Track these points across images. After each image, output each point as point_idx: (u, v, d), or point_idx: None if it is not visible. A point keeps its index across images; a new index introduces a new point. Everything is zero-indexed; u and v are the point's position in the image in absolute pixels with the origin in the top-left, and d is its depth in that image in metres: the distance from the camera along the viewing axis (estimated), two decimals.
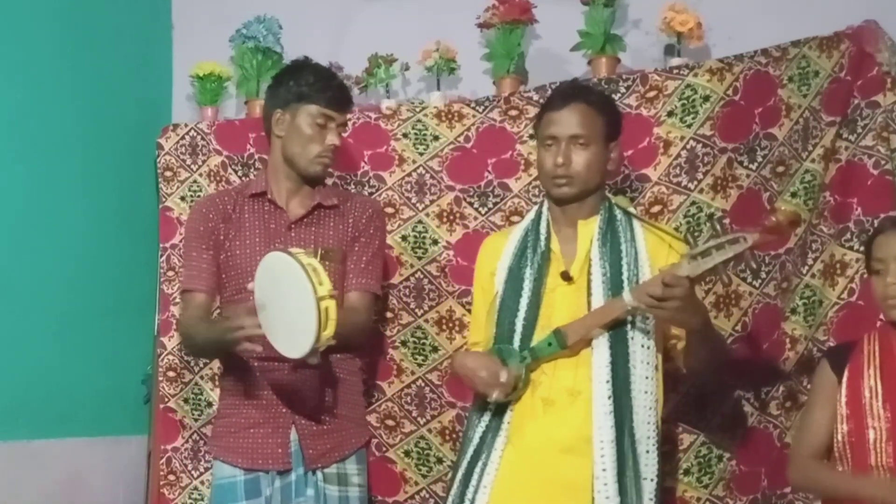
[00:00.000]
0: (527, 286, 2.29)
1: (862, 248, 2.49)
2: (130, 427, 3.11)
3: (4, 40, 2.70)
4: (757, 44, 2.68)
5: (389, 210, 2.89)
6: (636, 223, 2.32)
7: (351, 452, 2.50)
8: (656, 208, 2.64)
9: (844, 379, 2.19)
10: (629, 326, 2.21)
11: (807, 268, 2.65)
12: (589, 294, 2.24)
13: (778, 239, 2.23)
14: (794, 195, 2.65)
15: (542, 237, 2.33)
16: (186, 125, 3.15)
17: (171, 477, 3.03)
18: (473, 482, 2.23)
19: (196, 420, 3.04)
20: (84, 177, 2.97)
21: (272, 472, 2.44)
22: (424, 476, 2.86)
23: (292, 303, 2.13)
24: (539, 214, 2.37)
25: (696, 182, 2.62)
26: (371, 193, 2.91)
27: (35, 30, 2.81)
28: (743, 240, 2.05)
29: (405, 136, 2.92)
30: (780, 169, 2.65)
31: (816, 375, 2.30)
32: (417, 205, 2.89)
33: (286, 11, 3.19)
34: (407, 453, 2.87)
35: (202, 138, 3.10)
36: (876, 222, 2.51)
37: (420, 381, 2.85)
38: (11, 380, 2.64)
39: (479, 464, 2.24)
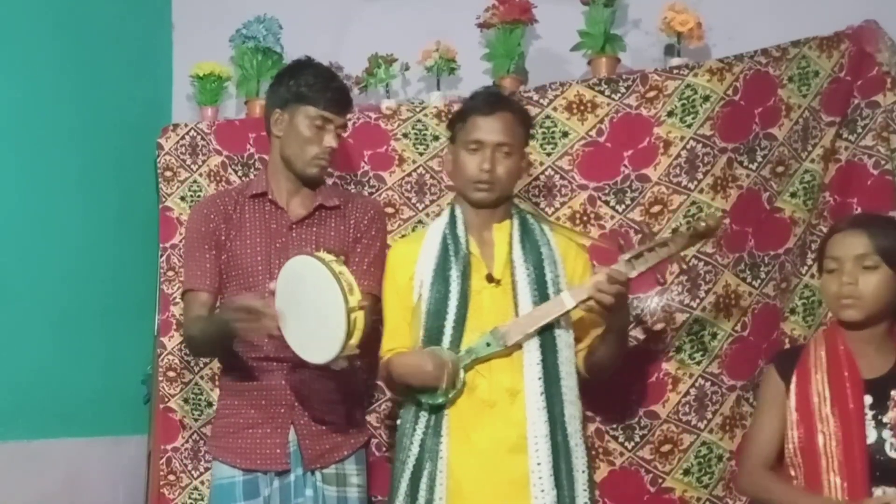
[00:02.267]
0: (454, 288, 2.32)
1: None
2: (130, 427, 3.11)
3: (4, 40, 2.70)
4: (757, 44, 2.68)
5: (389, 210, 2.89)
6: (545, 226, 2.42)
7: (350, 453, 2.50)
8: (656, 208, 2.64)
9: (792, 385, 2.19)
10: (556, 328, 2.29)
11: (806, 268, 2.65)
12: (515, 295, 2.31)
13: (705, 242, 2.41)
14: (793, 195, 2.65)
15: (462, 240, 2.37)
16: (186, 125, 3.15)
17: (171, 477, 3.03)
18: (423, 493, 2.25)
19: (196, 420, 3.04)
20: (84, 177, 2.97)
21: (271, 473, 2.43)
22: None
23: (318, 309, 2.13)
24: (453, 218, 2.40)
25: (696, 182, 2.62)
26: (371, 193, 2.91)
27: (35, 30, 2.81)
28: (672, 243, 2.25)
29: (405, 136, 2.92)
30: (780, 169, 2.65)
31: (764, 382, 2.30)
32: (417, 205, 2.89)
33: (286, 11, 3.19)
34: None
35: (202, 138, 3.10)
36: None
37: None
38: (11, 380, 2.64)
39: (425, 476, 2.26)
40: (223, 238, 2.52)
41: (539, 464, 2.20)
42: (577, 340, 2.37)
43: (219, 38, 3.23)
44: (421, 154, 2.90)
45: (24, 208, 2.73)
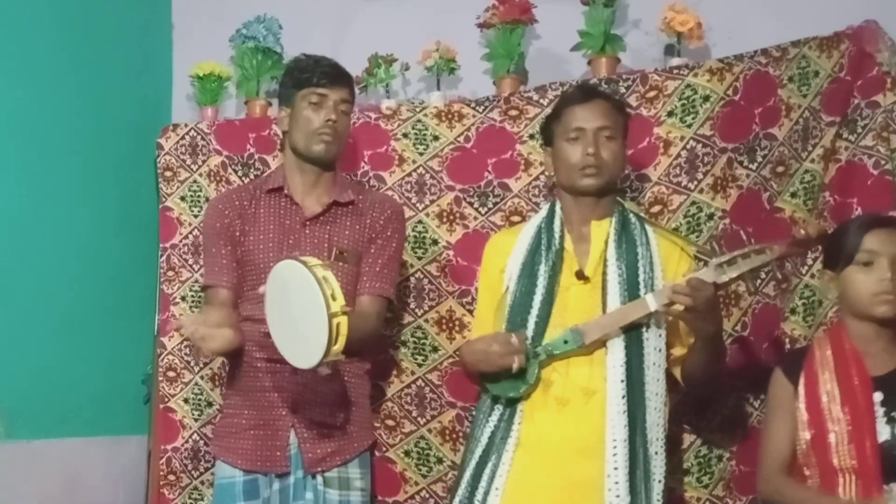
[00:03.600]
0: (541, 283, 2.29)
1: None
2: (130, 427, 3.11)
3: (4, 40, 2.70)
4: (757, 44, 2.68)
5: None
6: (648, 227, 2.36)
7: (354, 456, 2.49)
8: (656, 208, 2.64)
9: (801, 386, 2.18)
10: (644, 329, 2.23)
11: (806, 268, 2.65)
12: (604, 294, 2.26)
13: (804, 251, 2.31)
14: (793, 195, 2.65)
15: (556, 235, 2.34)
16: (186, 125, 3.15)
17: (171, 477, 3.03)
18: (483, 484, 2.23)
19: (196, 420, 3.04)
20: (84, 177, 2.97)
21: (271, 475, 2.43)
22: (424, 476, 2.86)
23: (303, 314, 2.12)
24: (552, 213, 2.39)
25: (696, 182, 2.62)
26: None
27: (35, 30, 2.81)
28: (770, 250, 2.16)
29: (405, 136, 2.92)
30: (780, 169, 2.65)
31: (771, 385, 2.29)
32: (417, 205, 2.89)
33: (286, 11, 3.19)
34: (407, 453, 2.87)
35: (202, 138, 3.10)
36: None
37: (420, 381, 2.85)
38: (11, 380, 2.64)
39: (489, 465, 2.24)
40: (238, 233, 2.53)
41: (616, 468, 2.14)
42: (675, 346, 2.32)
43: (219, 38, 3.23)
44: (421, 154, 2.90)
45: (24, 208, 2.73)
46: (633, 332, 2.23)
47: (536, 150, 2.76)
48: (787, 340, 2.64)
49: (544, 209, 2.44)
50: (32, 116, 2.78)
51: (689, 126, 2.63)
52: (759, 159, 2.64)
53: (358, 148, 2.94)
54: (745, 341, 2.63)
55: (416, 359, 2.85)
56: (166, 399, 3.05)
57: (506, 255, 2.38)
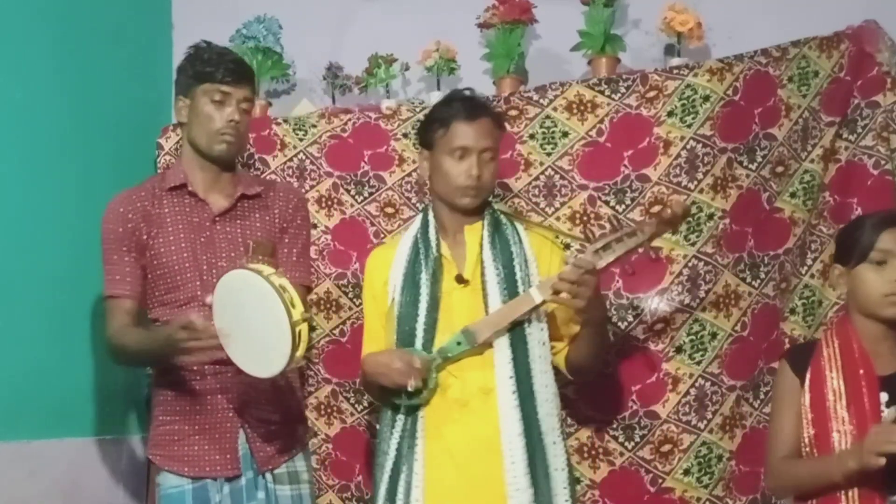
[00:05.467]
0: (424, 291, 2.33)
1: None
2: (130, 427, 3.10)
3: (3, 40, 2.69)
4: (757, 44, 2.68)
5: (389, 210, 2.89)
6: (518, 225, 2.41)
7: (298, 450, 2.49)
8: (656, 208, 2.64)
9: (807, 382, 2.17)
10: (526, 325, 2.29)
11: (806, 268, 2.65)
12: (485, 295, 2.31)
13: (672, 229, 2.36)
14: (793, 195, 2.65)
15: (433, 243, 2.38)
16: None
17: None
18: (401, 497, 2.25)
19: None
20: (84, 177, 2.96)
21: (220, 479, 2.40)
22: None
23: (261, 324, 2.11)
24: (426, 222, 2.42)
25: (696, 182, 2.62)
26: (371, 193, 2.91)
27: (34, 30, 2.80)
28: (640, 232, 2.21)
29: (405, 136, 2.92)
30: (780, 169, 2.65)
31: (778, 378, 2.28)
32: (417, 205, 2.88)
33: (286, 11, 3.19)
34: None
35: None
36: None
37: None
38: (11, 380, 2.64)
39: (402, 479, 2.26)
40: (145, 237, 2.45)
41: (513, 462, 2.20)
42: (556, 339, 2.37)
43: (219, 38, 3.20)
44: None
45: (24, 208, 2.73)
46: (516, 330, 2.27)
47: (536, 150, 2.76)
48: (786, 340, 2.64)
49: (417, 220, 2.46)
50: (32, 116, 2.78)
51: (689, 126, 2.63)
52: (759, 159, 2.64)
53: (358, 148, 2.94)
54: (744, 341, 2.63)
55: None
56: None
57: (386, 268, 2.42)
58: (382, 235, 2.88)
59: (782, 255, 2.64)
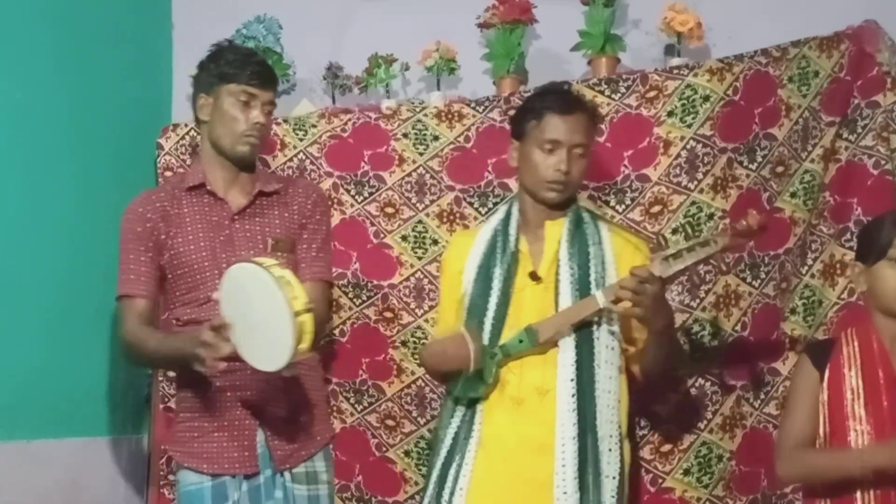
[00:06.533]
0: (496, 285, 2.32)
1: None
2: (130, 427, 3.10)
3: (3, 40, 2.70)
4: (757, 44, 2.68)
5: (389, 210, 2.89)
6: (602, 225, 2.37)
7: (318, 450, 2.48)
8: (656, 208, 2.64)
9: (825, 379, 2.17)
10: (595, 327, 2.26)
11: (806, 268, 2.65)
12: (557, 294, 2.29)
13: (747, 242, 2.31)
14: (793, 195, 2.65)
15: (511, 237, 2.36)
16: (186, 125, 3.14)
17: (171, 477, 3.02)
18: (449, 484, 2.25)
19: None
20: (84, 177, 2.96)
21: (239, 476, 2.39)
22: (425, 476, 2.86)
23: (265, 317, 2.09)
24: (508, 215, 2.40)
25: (696, 182, 2.62)
26: (371, 193, 2.91)
27: (35, 30, 2.80)
28: (714, 242, 2.16)
29: (405, 136, 2.92)
30: (780, 169, 2.65)
31: (798, 371, 2.28)
32: (417, 205, 2.89)
33: (286, 11, 3.19)
34: (407, 453, 2.87)
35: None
36: None
37: (420, 381, 2.85)
38: (11, 380, 2.64)
39: (454, 466, 2.26)
40: (163, 237, 2.46)
41: (564, 465, 2.17)
42: (630, 342, 2.32)
43: (219, 38, 3.21)
44: (421, 154, 2.90)
45: (23, 208, 2.73)
46: (584, 331, 2.25)
47: None
48: (786, 340, 2.64)
49: (501, 210, 2.44)
50: (32, 116, 2.78)
51: (689, 126, 2.63)
52: (759, 159, 2.64)
53: (358, 148, 2.94)
54: (745, 341, 2.63)
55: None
56: (166, 399, 3.05)
57: (464, 257, 2.40)
58: (382, 235, 2.88)
59: (782, 255, 2.64)
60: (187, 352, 2.19)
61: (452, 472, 2.26)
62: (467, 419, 2.29)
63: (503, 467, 2.23)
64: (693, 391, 2.61)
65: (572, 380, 2.21)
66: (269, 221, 2.48)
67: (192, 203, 2.48)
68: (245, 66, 2.44)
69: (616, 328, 2.28)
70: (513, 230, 2.37)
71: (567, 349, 2.24)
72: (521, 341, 2.25)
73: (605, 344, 2.26)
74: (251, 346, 2.16)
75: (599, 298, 2.22)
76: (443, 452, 2.30)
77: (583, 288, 2.26)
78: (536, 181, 2.34)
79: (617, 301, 2.19)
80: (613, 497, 2.20)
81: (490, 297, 2.31)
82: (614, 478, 2.22)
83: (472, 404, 2.29)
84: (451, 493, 2.24)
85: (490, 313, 2.30)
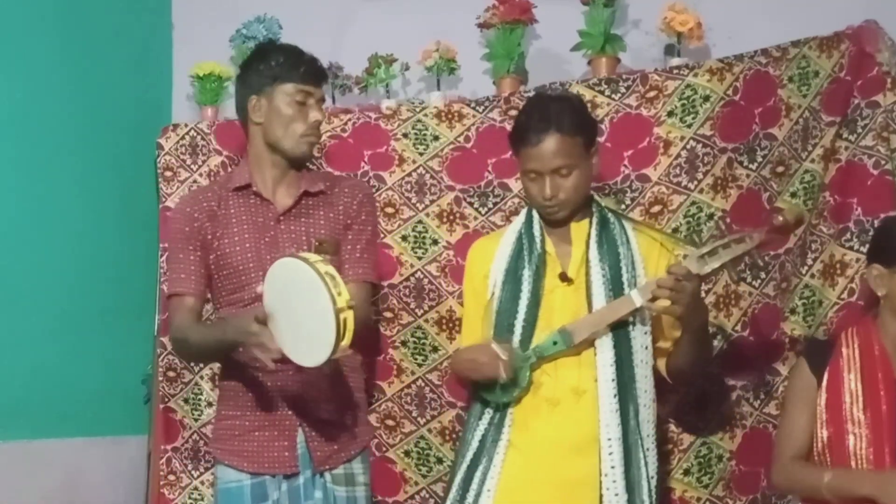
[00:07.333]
0: (525, 287, 2.30)
1: (863, 248, 2.49)
2: (130, 427, 3.11)
3: (3, 40, 2.70)
4: (757, 44, 2.68)
5: (389, 210, 2.89)
6: (627, 224, 2.36)
7: (357, 452, 2.47)
8: (656, 208, 2.64)
9: (824, 382, 2.16)
10: (630, 327, 2.24)
11: (806, 268, 2.65)
12: (589, 294, 2.27)
13: (784, 237, 2.29)
14: (793, 195, 2.65)
15: (537, 239, 2.35)
16: (186, 125, 3.14)
17: (171, 477, 3.03)
18: (474, 486, 2.24)
19: (196, 420, 3.03)
20: (84, 177, 2.97)
21: (279, 476, 2.40)
22: (424, 476, 2.86)
23: (308, 311, 2.09)
24: (530, 217, 2.39)
25: (696, 182, 2.62)
26: None
27: (34, 29, 2.81)
28: (749, 239, 2.13)
29: (405, 136, 2.92)
30: (780, 169, 2.65)
31: (794, 376, 2.27)
32: (417, 205, 2.89)
33: (286, 11, 3.19)
34: (407, 453, 2.87)
35: (202, 138, 3.10)
36: (876, 222, 2.51)
37: (420, 381, 2.85)
38: (11, 380, 2.64)
39: (480, 468, 2.25)
40: (209, 237, 2.46)
41: (613, 467, 2.16)
42: (660, 342, 2.32)
43: (219, 38, 3.23)
44: (421, 154, 2.90)
45: (24, 208, 2.73)
46: (620, 331, 2.24)
47: None
48: (786, 340, 2.64)
49: (522, 214, 2.44)
50: (32, 116, 2.78)
51: (689, 126, 2.63)
52: (759, 159, 2.64)
53: (358, 148, 2.94)
54: (745, 341, 2.63)
55: (416, 359, 2.86)
56: (166, 399, 3.05)
57: (488, 260, 2.39)
58: (382, 235, 2.88)
59: (783, 255, 2.64)
60: (229, 338, 2.25)
61: (479, 474, 2.24)
62: (496, 422, 2.27)
63: (536, 468, 2.22)
64: (693, 391, 2.60)
65: (613, 380, 2.20)
66: (314, 222, 2.47)
67: (238, 204, 2.48)
68: (298, 64, 2.44)
69: (649, 328, 2.27)
70: (537, 232, 2.36)
71: (605, 349, 2.22)
72: (555, 343, 2.24)
73: (641, 343, 2.25)
74: (292, 340, 2.15)
75: (636, 298, 2.21)
76: (468, 455, 2.28)
77: (616, 288, 2.25)
78: (535, 206, 2.36)
79: (653, 300, 2.18)
80: (648, 498, 2.20)
81: (520, 299, 2.29)
82: (653, 477, 2.22)
83: (501, 408, 2.28)
84: (478, 495, 2.23)
85: (521, 315, 2.28)
